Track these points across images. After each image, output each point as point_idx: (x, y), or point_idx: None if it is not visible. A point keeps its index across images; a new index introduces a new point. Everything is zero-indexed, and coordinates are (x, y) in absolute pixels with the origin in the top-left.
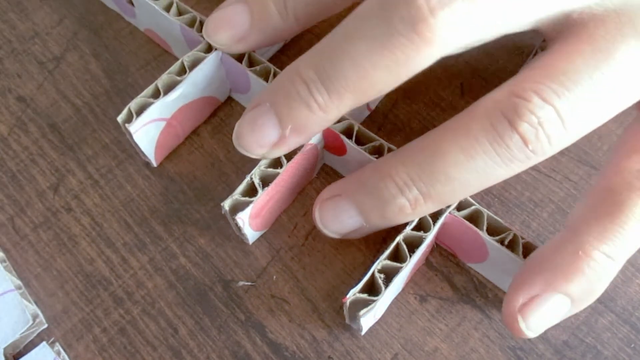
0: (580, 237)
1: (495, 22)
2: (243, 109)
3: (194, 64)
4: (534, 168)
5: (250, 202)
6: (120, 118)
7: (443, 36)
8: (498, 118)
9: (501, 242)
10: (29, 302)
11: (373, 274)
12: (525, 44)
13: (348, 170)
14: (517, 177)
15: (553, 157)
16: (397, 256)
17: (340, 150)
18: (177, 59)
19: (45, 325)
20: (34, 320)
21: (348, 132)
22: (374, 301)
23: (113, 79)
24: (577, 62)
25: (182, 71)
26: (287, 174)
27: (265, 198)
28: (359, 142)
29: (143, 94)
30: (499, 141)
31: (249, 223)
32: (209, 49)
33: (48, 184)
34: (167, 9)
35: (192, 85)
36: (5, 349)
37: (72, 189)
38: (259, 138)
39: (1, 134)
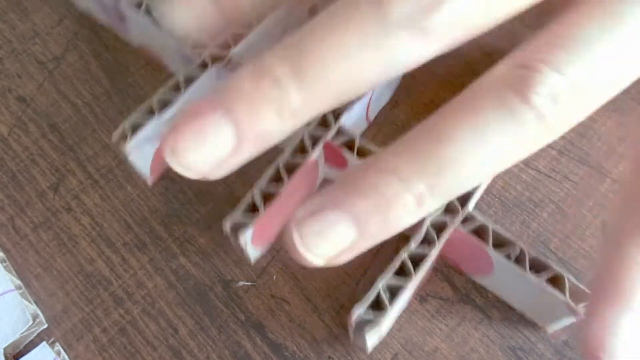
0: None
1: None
2: None
3: (189, 80)
4: (533, 168)
5: (251, 222)
6: (114, 138)
7: (452, 29)
8: (508, 93)
9: (507, 256)
10: (29, 302)
11: (378, 293)
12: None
13: None
14: (517, 177)
15: (553, 157)
16: (402, 272)
17: (340, 164)
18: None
19: (45, 325)
20: (34, 320)
21: (349, 146)
22: (380, 320)
23: (113, 79)
24: (586, 27)
25: (178, 88)
26: (289, 189)
27: (266, 218)
28: (360, 155)
29: (137, 112)
30: (513, 118)
31: (252, 244)
32: (205, 65)
33: (48, 184)
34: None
35: (188, 103)
36: (5, 348)
37: (72, 189)
38: (208, 153)
39: (1, 134)
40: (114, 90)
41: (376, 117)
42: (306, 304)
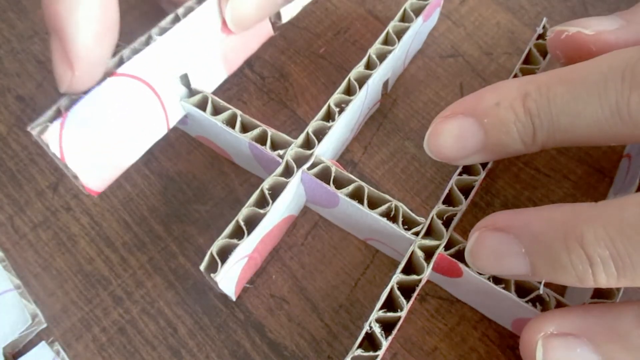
0: None
1: None
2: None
3: (274, 189)
4: (533, 167)
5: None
6: (202, 266)
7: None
8: None
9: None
10: (28, 301)
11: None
12: (523, 42)
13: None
14: (516, 177)
15: (552, 157)
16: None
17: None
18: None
19: (45, 325)
20: (33, 319)
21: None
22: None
23: None
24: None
25: (262, 199)
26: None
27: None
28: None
29: (224, 234)
30: None
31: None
32: (287, 171)
33: (47, 184)
34: (230, 122)
35: (274, 213)
36: (4, 348)
37: (71, 188)
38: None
39: (0, 133)
40: None
41: (376, 117)
42: (305, 303)
